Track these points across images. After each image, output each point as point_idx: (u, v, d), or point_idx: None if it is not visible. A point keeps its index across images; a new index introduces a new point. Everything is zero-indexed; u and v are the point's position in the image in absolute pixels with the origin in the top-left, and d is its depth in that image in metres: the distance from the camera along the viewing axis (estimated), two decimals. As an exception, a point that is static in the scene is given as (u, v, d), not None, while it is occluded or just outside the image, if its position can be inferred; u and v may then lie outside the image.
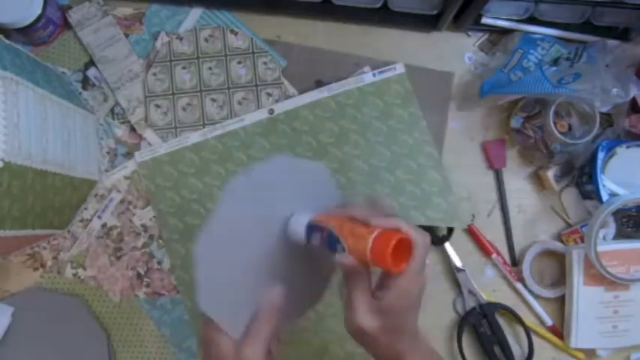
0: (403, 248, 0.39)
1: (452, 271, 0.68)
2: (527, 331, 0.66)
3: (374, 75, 0.71)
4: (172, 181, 0.68)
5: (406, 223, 0.41)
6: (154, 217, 0.68)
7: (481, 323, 0.66)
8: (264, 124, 0.69)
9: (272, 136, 0.69)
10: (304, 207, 0.46)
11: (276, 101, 0.70)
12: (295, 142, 0.69)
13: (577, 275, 0.66)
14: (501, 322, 0.67)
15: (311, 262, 0.48)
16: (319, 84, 0.71)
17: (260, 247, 0.45)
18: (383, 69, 0.71)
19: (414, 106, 0.70)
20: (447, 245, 0.68)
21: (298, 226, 0.45)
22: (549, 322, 0.68)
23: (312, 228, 0.44)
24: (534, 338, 0.67)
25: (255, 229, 0.44)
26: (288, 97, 0.70)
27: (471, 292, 0.67)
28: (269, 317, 0.43)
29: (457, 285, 0.68)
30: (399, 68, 0.71)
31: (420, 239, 0.41)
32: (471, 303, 0.67)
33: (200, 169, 0.68)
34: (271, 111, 0.69)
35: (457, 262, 0.68)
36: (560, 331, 0.68)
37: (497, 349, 0.66)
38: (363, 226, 0.41)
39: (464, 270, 0.68)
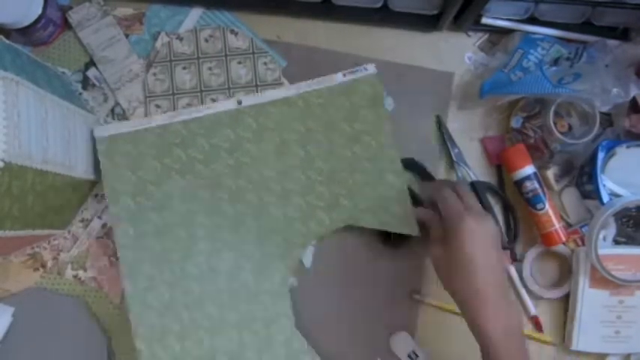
0: None
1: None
2: (515, 214, 0.69)
3: (344, 75, 0.69)
4: (131, 159, 0.65)
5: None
6: (105, 194, 0.64)
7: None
8: (231, 115, 0.67)
9: (238, 127, 0.67)
10: None
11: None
12: (259, 138, 0.67)
13: (583, 277, 0.66)
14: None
15: None
16: (319, 84, 0.71)
17: None
18: (353, 69, 0.69)
19: (380, 108, 0.69)
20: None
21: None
22: (533, 310, 0.68)
23: None
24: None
25: None
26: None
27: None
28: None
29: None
30: (370, 69, 0.70)
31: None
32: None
33: (161, 151, 0.66)
34: (239, 102, 0.68)
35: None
36: (540, 323, 0.68)
37: None
38: None
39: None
